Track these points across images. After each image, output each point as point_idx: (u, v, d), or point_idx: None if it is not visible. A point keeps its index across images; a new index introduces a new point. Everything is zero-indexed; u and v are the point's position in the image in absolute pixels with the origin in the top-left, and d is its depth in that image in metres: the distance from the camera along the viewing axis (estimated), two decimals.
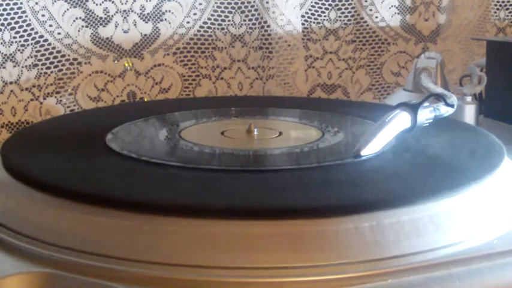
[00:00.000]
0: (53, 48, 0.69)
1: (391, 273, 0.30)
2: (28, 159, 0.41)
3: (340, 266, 0.30)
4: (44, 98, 0.69)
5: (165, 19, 0.73)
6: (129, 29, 0.71)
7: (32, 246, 0.32)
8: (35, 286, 0.30)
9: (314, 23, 0.78)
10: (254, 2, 0.75)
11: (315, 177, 0.37)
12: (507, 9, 0.81)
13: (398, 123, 0.42)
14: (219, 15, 0.75)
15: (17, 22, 0.66)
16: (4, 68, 0.66)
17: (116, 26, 0.71)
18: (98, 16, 0.70)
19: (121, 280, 0.29)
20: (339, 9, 0.79)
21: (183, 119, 0.52)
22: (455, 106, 0.47)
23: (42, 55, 0.68)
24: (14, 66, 0.67)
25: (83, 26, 0.69)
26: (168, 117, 0.53)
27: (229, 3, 0.75)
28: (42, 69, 0.68)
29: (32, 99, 0.69)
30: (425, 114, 0.44)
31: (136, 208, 0.32)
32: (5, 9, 0.65)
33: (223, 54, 0.75)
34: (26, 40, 0.67)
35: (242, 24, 0.75)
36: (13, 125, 0.68)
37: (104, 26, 0.70)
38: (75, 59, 0.70)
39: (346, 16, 0.79)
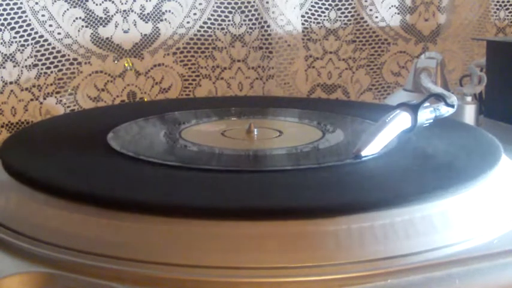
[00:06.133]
0: (53, 48, 0.69)
1: (391, 273, 0.30)
2: (28, 159, 0.41)
3: (340, 266, 0.30)
4: (44, 98, 0.69)
5: (165, 19, 0.73)
6: (129, 29, 0.71)
7: (32, 246, 0.32)
8: (35, 286, 0.30)
9: (314, 23, 0.78)
10: (254, 2, 0.75)
11: (315, 177, 0.37)
12: (507, 9, 0.81)
13: (398, 123, 0.42)
14: (219, 15, 0.75)
15: (17, 22, 0.66)
16: (4, 68, 0.66)
17: (116, 26, 0.71)
18: (98, 16, 0.70)
19: (121, 280, 0.29)
20: (339, 9, 0.79)
21: (183, 119, 0.52)
22: (455, 106, 0.47)
23: (42, 55, 0.68)
24: (14, 66, 0.67)
25: (83, 26, 0.69)
26: (168, 117, 0.53)
27: (229, 3, 0.75)
28: (42, 69, 0.69)
29: (32, 99, 0.69)
30: (426, 115, 0.44)
31: (136, 208, 0.32)
32: (5, 9, 0.65)
33: (223, 54, 0.75)
34: (26, 40, 0.67)
35: (242, 24, 0.75)
36: (13, 125, 0.68)
37: (104, 26, 0.70)
38: (75, 59, 0.70)
39: (346, 16, 0.79)
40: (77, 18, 0.69)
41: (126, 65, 0.72)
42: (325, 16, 0.78)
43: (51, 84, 0.69)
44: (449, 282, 0.30)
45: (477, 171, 0.37)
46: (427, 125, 0.44)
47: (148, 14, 0.72)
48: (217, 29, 0.75)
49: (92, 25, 0.70)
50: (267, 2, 0.74)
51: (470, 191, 0.35)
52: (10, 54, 0.66)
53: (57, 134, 0.48)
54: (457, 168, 0.39)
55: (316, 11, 0.78)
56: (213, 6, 0.74)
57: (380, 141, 0.40)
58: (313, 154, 0.44)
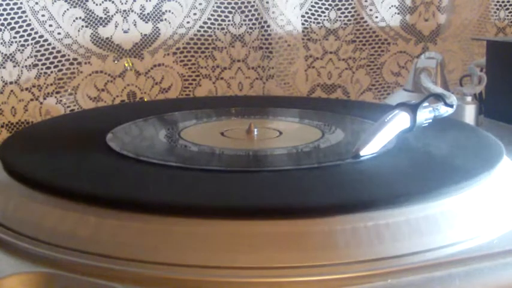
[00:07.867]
0: (53, 48, 0.69)
1: (391, 273, 0.30)
2: (28, 159, 0.41)
3: (340, 266, 0.30)
4: (44, 98, 0.69)
5: (165, 19, 0.73)
6: (129, 29, 0.71)
7: (32, 246, 0.32)
8: (35, 286, 0.30)
9: (314, 23, 0.78)
10: (254, 2, 0.75)
11: (315, 177, 0.37)
12: (507, 9, 0.81)
13: (397, 123, 0.42)
14: (219, 15, 0.75)
15: (17, 22, 0.66)
16: (4, 68, 0.66)
17: (116, 26, 0.71)
18: (97, 16, 0.70)
19: (121, 280, 0.29)
20: (339, 9, 0.79)
21: (183, 119, 0.52)
22: (454, 106, 0.47)
23: (42, 55, 0.68)
24: (14, 66, 0.67)
25: (83, 26, 0.69)
26: (168, 117, 0.53)
27: (229, 3, 0.75)
28: (42, 69, 0.69)
29: (32, 99, 0.69)
30: (425, 114, 0.44)
31: (136, 208, 0.32)
32: (5, 9, 0.65)
33: (223, 54, 0.75)
34: (26, 40, 0.67)
35: (242, 24, 0.75)
36: (13, 125, 0.68)
37: (103, 26, 0.70)
38: (75, 59, 0.70)
39: (346, 16, 0.79)
40: (77, 18, 0.69)
41: (126, 65, 0.72)
42: (325, 16, 0.78)
43: (51, 84, 0.69)
44: (450, 282, 0.30)
45: (478, 171, 0.37)
46: (426, 124, 0.44)
47: (148, 14, 0.72)
48: (217, 29, 0.75)
49: (92, 25, 0.70)
50: (267, 2, 0.74)
51: (470, 191, 0.35)
52: (10, 54, 0.66)
53: (57, 134, 0.48)
54: (457, 168, 0.39)
55: (316, 11, 0.78)
56: (213, 6, 0.74)
57: (379, 141, 0.40)
58: (313, 154, 0.44)
